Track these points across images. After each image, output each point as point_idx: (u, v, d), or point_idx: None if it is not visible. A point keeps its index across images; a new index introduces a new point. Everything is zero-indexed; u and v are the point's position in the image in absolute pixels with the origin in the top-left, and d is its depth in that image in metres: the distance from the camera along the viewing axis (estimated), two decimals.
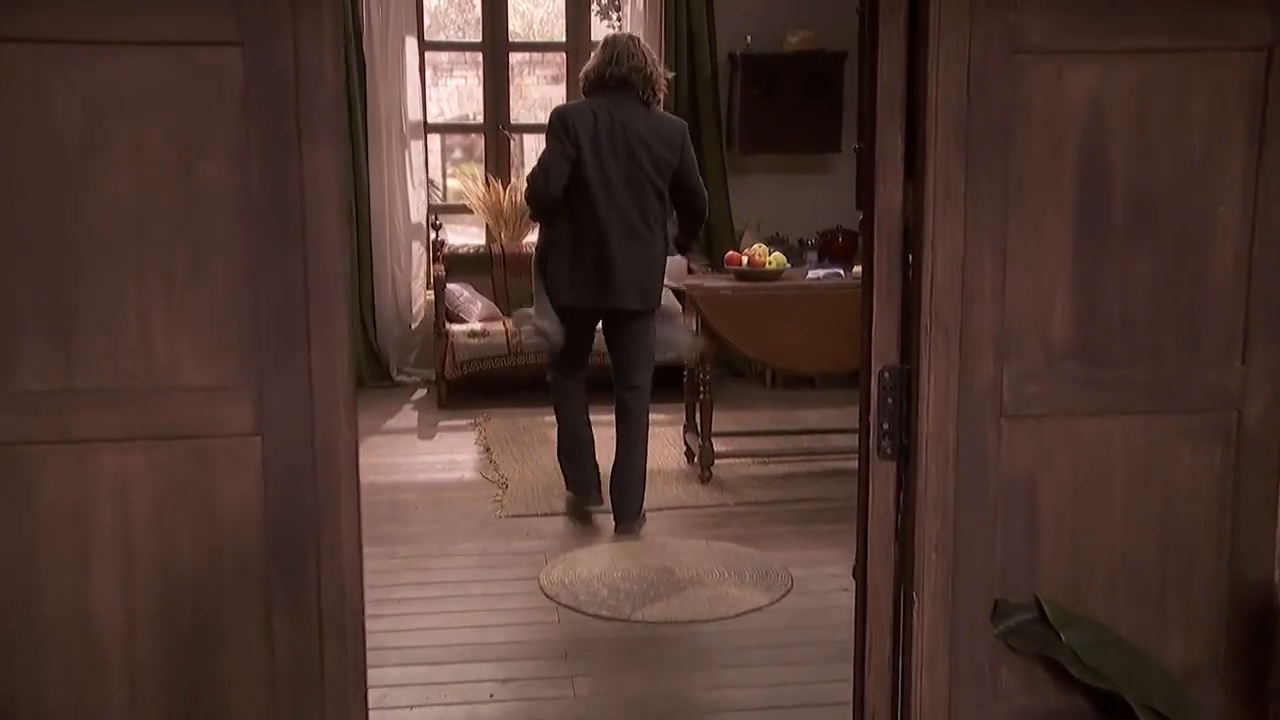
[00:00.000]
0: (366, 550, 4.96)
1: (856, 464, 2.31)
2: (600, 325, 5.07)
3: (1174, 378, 2.18)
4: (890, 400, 2.19)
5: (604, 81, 4.76)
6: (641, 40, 4.97)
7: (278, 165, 1.86)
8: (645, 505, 5.22)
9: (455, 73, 10.53)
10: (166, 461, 1.99)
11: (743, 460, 6.13)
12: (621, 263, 4.79)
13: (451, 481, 6.02)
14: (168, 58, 1.84)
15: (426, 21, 11.60)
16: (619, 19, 8.70)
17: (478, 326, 7.49)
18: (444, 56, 10.71)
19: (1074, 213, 2.11)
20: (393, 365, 8.18)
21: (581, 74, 4.93)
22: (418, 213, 8.22)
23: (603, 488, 5.23)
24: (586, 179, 4.72)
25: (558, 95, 8.84)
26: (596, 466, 5.29)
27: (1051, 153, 2.08)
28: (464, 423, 7.12)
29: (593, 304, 4.90)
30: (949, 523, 2.15)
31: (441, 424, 7.15)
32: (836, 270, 5.98)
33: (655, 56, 4.93)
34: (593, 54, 4.91)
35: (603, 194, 4.72)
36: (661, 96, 4.90)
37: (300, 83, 1.87)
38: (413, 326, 8.21)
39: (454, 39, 10.87)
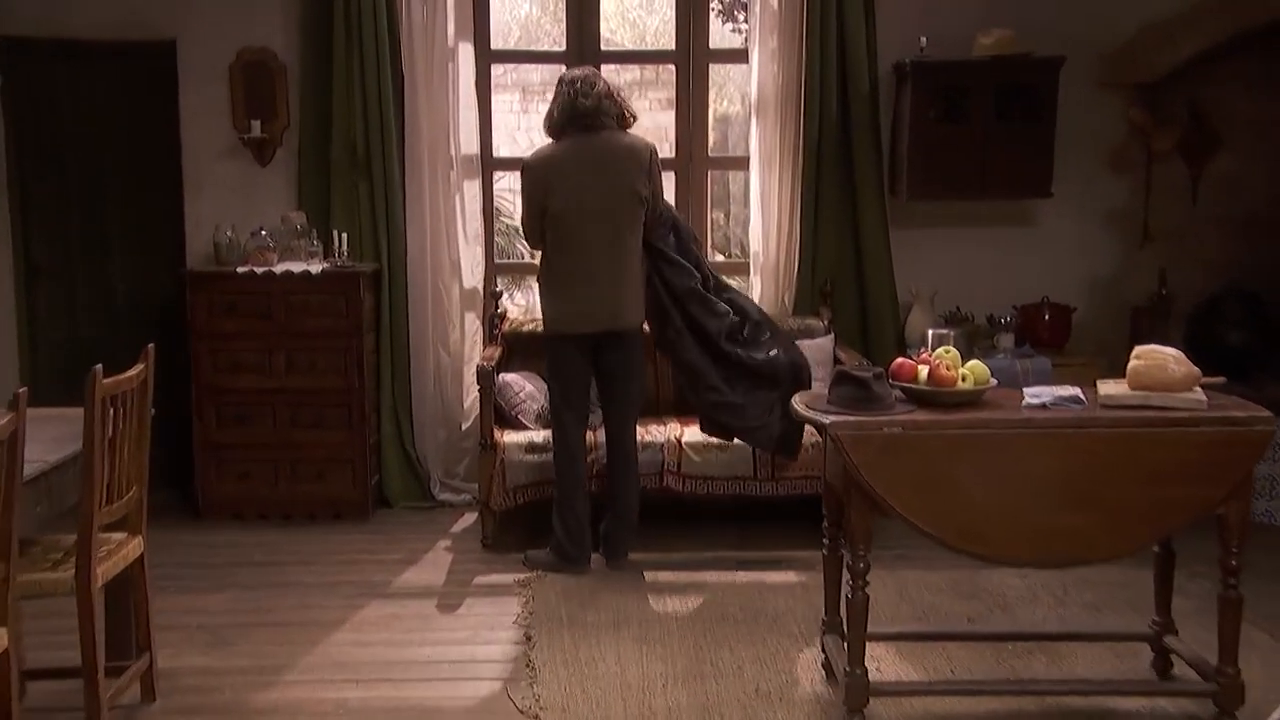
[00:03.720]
0: None
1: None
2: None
3: None
4: None
5: (573, 117, 4.87)
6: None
7: None
8: None
9: (549, 95, 8.49)
10: None
11: (914, 692, 3.87)
12: (609, 288, 4.89)
13: (457, 708, 3.89)
14: None
15: (515, 33, 9.72)
16: (745, 20, 6.57)
17: (538, 436, 5.39)
18: (535, 76, 8.78)
19: None
20: (434, 479, 6.14)
21: (546, 116, 5.01)
22: (473, 274, 6.20)
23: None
24: (565, 220, 4.85)
25: (671, 124, 6.71)
26: (591, 541, 5.13)
27: None
28: (508, 580, 5.01)
29: (588, 329, 4.92)
30: None
31: (477, 581, 5.05)
32: (1074, 393, 3.69)
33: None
34: (555, 98, 5.00)
35: (582, 232, 4.85)
36: (632, 122, 5.01)
37: None
38: (463, 427, 6.17)
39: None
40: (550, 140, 5.01)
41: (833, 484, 3.84)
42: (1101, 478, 3.47)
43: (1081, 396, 3.69)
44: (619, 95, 4.97)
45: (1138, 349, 3.70)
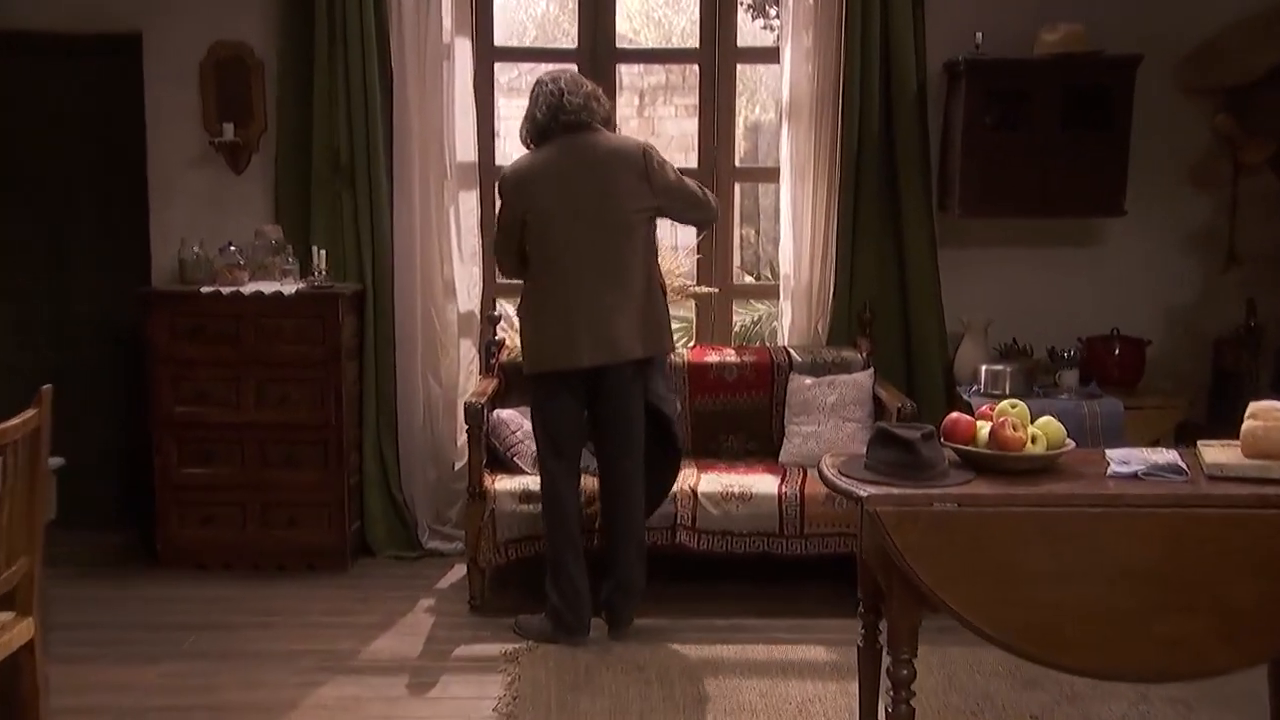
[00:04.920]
0: None
1: None
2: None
3: None
4: None
5: (559, 114, 4.29)
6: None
7: None
8: None
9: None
10: None
11: None
12: (600, 314, 4.27)
13: None
14: None
15: (531, 31, 9.09)
16: (777, 15, 5.89)
17: (534, 483, 4.72)
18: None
19: None
20: (422, 525, 5.49)
21: (525, 121, 4.41)
22: (469, 296, 5.56)
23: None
24: (550, 236, 4.31)
25: (694, 131, 6.03)
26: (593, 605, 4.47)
27: None
28: (494, 651, 4.35)
29: (573, 364, 4.30)
30: None
31: (458, 653, 4.39)
32: (1171, 460, 2.98)
33: None
34: (533, 100, 4.38)
35: (570, 248, 4.29)
36: (614, 123, 4.58)
37: None
38: (456, 467, 5.51)
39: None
40: (530, 149, 4.42)
41: (869, 564, 3.15)
42: (1210, 571, 2.76)
43: (1181, 464, 2.97)
44: (605, 99, 4.48)
45: (1254, 406, 2.98)
